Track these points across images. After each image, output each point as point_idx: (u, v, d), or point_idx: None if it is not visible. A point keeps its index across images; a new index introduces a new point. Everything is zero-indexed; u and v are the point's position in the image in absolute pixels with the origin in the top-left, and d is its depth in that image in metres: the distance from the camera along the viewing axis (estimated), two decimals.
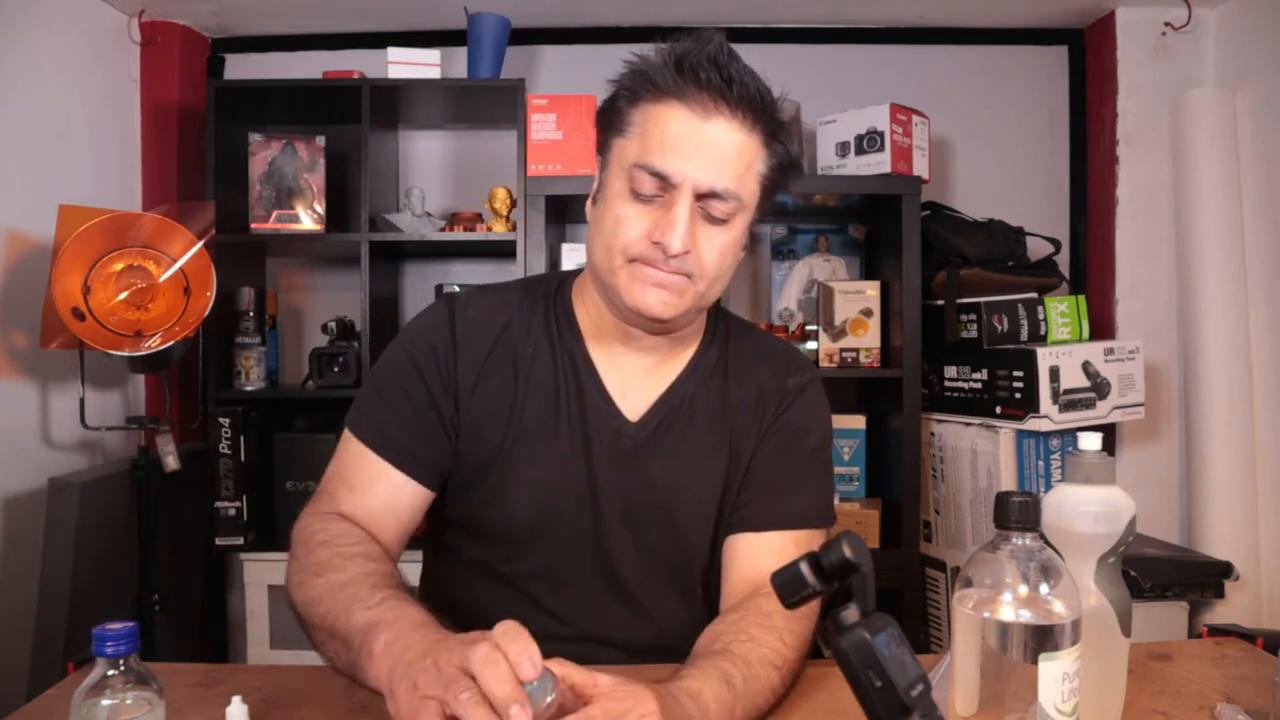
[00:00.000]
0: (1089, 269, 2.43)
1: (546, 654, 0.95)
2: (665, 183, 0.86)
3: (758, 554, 0.97)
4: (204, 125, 2.18)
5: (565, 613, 0.99)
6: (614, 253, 0.89)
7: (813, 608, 0.91)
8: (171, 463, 1.90)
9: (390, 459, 0.94)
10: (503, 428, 0.96)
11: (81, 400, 1.91)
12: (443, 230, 2.25)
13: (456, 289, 2.25)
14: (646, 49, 0.90)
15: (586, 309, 1.00)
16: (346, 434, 0.97)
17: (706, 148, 0.86)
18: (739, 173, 0.87)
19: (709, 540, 1.00)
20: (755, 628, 0.85)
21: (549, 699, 0.62)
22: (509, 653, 0.61)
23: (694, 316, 0.97)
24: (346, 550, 0.85)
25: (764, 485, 0.99)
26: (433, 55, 2.20)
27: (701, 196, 0.87)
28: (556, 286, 1.04)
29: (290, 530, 0.92)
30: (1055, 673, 0.63)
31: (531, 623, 0.90)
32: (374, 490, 0.93)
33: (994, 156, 2.50)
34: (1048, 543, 0.68)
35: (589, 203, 0.97)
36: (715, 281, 0.92)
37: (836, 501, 2.01)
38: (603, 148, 0.94)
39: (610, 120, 0.92)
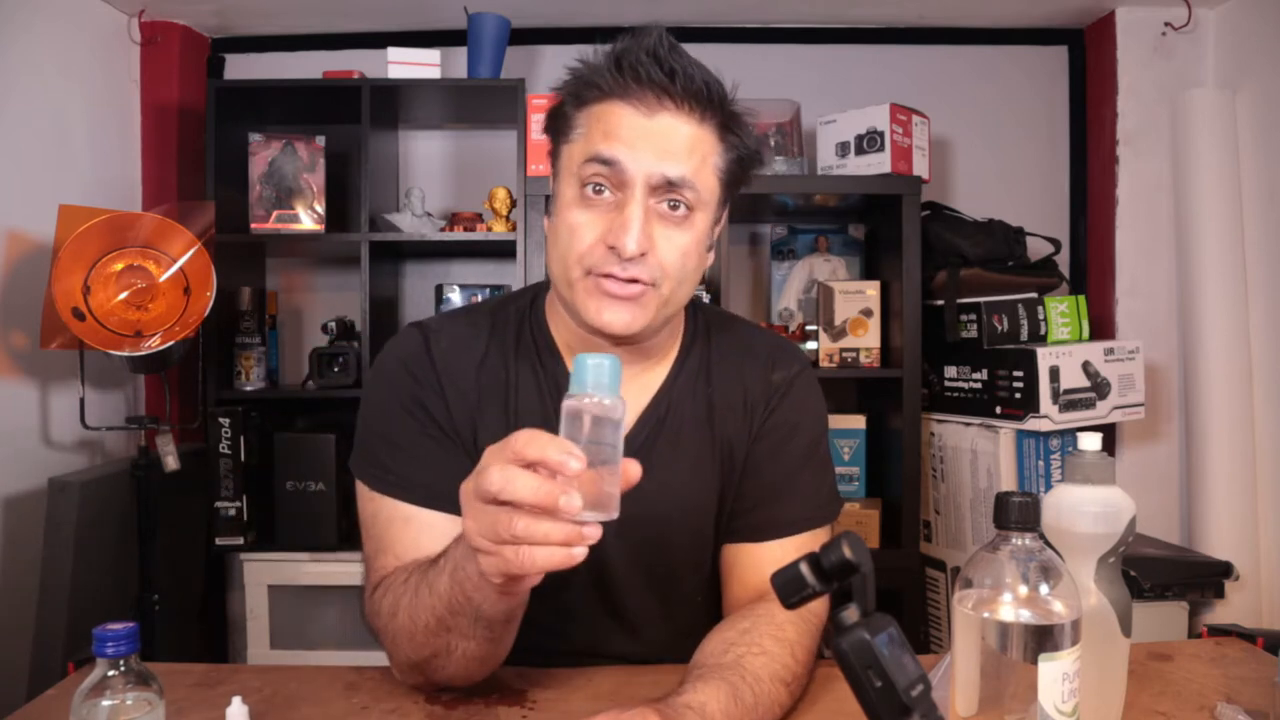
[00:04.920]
0: (1089, 269, 2.43)
1: (546, 663, 0.95)
2: (617, 174, 0.83)
3: (759, 561, 0.95)
4: (204, 125, 2.18)
5: (562, 629, 0.97)
6: (570, 264, 0.86)
7: (822, 619, 0.90)
8: (171, 463, 1.90)
9: (418, 502, 0.88)
10: None
11: (81, 400, 1.91)
12: (443, 230, 2.25)
13: (454, 288, 2.29)
14: (588, 50, 0.87)
15: (559, 325, 0.97)
16: (368, 493, 0.91)
17: (656, 141, 0.82)
18: (695, 165, 0.84)
19: (708, 551, 0.99)
20: (768, 639, 0.83)
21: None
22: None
23: (661, 325, 0.92)
24: (404, 577, 0.83)
25: (761, 491, 0.97)
26: (433, 55, 2.20)
27: (656, 189, 0.83)
28: (529, 303, 1.00)
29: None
30: (1055, 673, 0.63)
31: (528, 639, 0.89)
32: (413, 542, 0.88)
33: (994, 156, 2.50)
34: (1048, 543, 0.68)
35: (545, 219, 0.94)
36: (680, 285, 0.87)
37: None
38: (553, 157, 0.92)
39: (557, 126, 0.89)
